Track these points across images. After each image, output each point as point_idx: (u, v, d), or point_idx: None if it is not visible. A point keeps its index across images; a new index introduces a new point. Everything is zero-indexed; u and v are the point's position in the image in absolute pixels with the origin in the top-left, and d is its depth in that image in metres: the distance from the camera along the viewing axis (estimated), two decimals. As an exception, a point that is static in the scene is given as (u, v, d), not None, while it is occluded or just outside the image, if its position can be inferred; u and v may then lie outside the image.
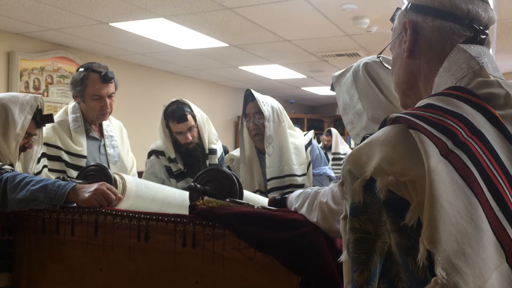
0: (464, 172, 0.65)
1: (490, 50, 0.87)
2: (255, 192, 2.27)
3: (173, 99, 2.46)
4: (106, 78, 2.22)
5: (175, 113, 2.36)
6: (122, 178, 1.72)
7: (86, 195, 1.57)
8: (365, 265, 0.68)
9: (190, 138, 2.39)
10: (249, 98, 2.31)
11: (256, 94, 2.28)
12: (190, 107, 2.43)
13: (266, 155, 2.25)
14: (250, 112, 2.29)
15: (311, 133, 2.44)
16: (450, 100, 0.74)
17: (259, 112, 2.25)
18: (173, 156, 2.42)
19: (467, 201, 0.64)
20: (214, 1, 3.70)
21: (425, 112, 0.72)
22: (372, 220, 0.69)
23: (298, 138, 2.35)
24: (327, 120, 10.40)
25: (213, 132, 2.54)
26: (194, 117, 2.42)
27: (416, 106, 0.77)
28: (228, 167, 2.40)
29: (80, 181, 1.70)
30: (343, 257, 0.76)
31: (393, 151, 0.68)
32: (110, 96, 2.25)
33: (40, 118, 1.88)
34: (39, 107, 1.88)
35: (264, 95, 2.34)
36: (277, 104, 2.32)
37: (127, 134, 2.52)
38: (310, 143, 2.36)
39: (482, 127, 0.71)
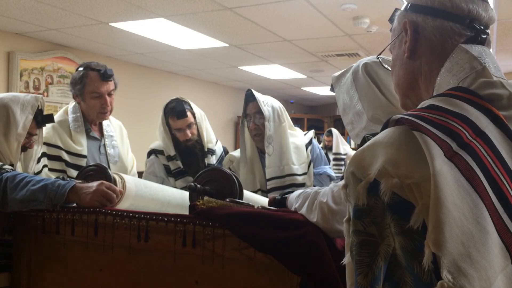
0: (469, 174, 0.65)
1: (490, 50, 0.87)
2: (256, 191, 2.27)
3: (173, 97, 2.48)
4: (105, 76, 2.22)
5: (175, 109, 2.38)
6: (121, 178, 1.72)
7: (87, 197, 1.58)
8: (369, 268, 0.68)
9: (190, 135, 2.41)
10: (249, 98, 2.32)
11: (256, 94, 2.29)
12: (189, 105, 2.45)
13: (266, 155, 2.25)
14: (251, 112, 2.30)
15: (311, 133, 2.44)
16: (453, 101, 0.74)
17: (260, 112, 2.25)
18: (172, 153, 2.43)
19: (472, 203, 0.63)
20: (214, 1, 3.70)
21: (428, 113, 0.71)
22: (375, 222, 0.68)
23: (298, 137, 2.35)
24: (327, 120, 10.40)
25: (211, 131, 2.55)
26: (193, 114, 2.44)
27: (418, 107, 0.77)
28: (229, 168, 2.40)
29: (80, 181, 1.70)
30: (346, 260, 0.75)
31: (397, 153, 0.68)
32: (110, 94, 2.25)
33: (41, 118, 1.89)
34: (40, 107, 1.88)
35: (265, 95, 2.35)
36: (278, 104, 2.32)
37: (127, 134, 2.52)
38: (310, 142, 2.37)
39: (486, 128, 0.71)
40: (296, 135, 2.36)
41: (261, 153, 2.35)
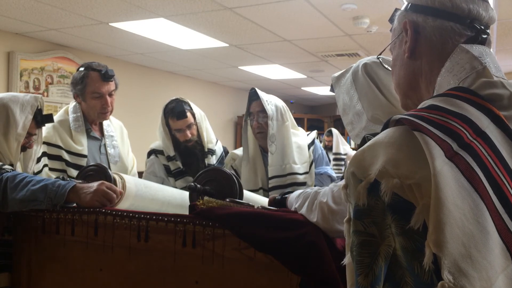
0: (470, 174, 0.65)
1: (491, 50, 0.87)
2: (258, 190, 2.28)
3: (173, 97, 2.48)
4: (106, 76, 2.22)
5: (175, 110, 2.38)
6: (121, 178, 1.72)
7: (87, 197, 1.58)
8: (370, 268, 0.68)
9: (189, 135, 2.41)
10: (253, 96, 2.33)
11: (260, 93, 2.30)
12: (189, 105, 2.45)
13: (269, 154, 2.26)
14: (254, 111, 2.31)
15: (314, 133, 2.46)
16: (453, 101, 0.74)
17: (263, 111, 2.27)
18: (172, 153, 2.43)
19: (473, 204, 0.63)
20: (214, 1, 3.70)
21: (428, 113, 0.71)
22: (376, 223, 0.68)
23: (301, 137, 2.36)
24: (327, 120, 10.39)
25: (211, 132, 2.55)
26: (193, 115, 2.44)
27: (419, 107, 0.76)
28: (231, 166, 2.41)
29: (80, 181, 1.70)
30: (347, 260, 0.75)
31: (398, 153, 0.68)
32: (110, 94, 2.26)
33: (41, 118, 1.89)
34: (39, 107, 1.88)
35: (268, 94, 2.36)
36: (281, 104, 2.33)
37: (127, 134, 2.52)
38: (313, 142, 2.39)
39: (486, 128, 0.71)
40: (299, 134, 2.37)
41: (264, 152, 2.36)
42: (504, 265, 0.63)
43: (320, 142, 7.35)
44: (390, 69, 0.99)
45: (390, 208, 0.66)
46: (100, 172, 1.76)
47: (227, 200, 1.50)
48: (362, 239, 0.69)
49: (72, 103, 2.32)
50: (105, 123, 2.37)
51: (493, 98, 0.75)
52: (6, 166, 1.75)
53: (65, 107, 2.36)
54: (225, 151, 2.67)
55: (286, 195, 1.60)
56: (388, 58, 1.09)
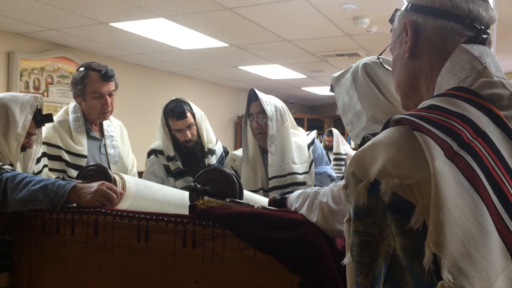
0: (470, 174, 0.65)
1: (491, 50, 0.87)
2: (258, 190, 2.28)
3: (173, 98, 2.48)
4: (106, 76, 2.22)
5: (175, 110, 2.38)
6: (121, 178, 1.73)
7: (88, 197, 1.58)
8: (370, 268, 0.68)
9: (189, 135, 2.41)
10: (252, 97, 2.33)
11: (259, 94, 2.30)
12: (189, 105, 2.45)
13: (269, 154, 2.26)
14: (254, 112, 2.31)
15: (314, 133, 2.46)
16: (453, 101, 0.74)
17: (262, 111, 2.27)
18: (172, 154, 2.43)
19: (473, 204, 0.63)
20: (214, 1, 3.70)
21: (429, 113, 0.71)
22: (376, 223, 0.68)
23: (300, 137, 2.36)
24: (327, 120, 10.39)
25: (211, 132, 2.55)
26: (193, 115, 2.44)
27: (419, 107, 0.76)
28: (231, 167, 2.41)
29: (80, 181, 1.70)
30: (347, 260, 0.75)
31: (398, 153, 0.68)
32: (110, 95, 2.26)
33: (40, 117, 1.89)
34: (39, 107, 1.88)
35: (267, 95, 2.36)
36: (280, 104, 2.34)
37: (127, 134, 2.52)
38: (312, 142, 2.39)
39: (486, 128, 0.71)
40: (299, 134, 2.37)
41: (263, 152, 2.37)
42: (504, 265, 0.63)
43: (321, 142, 7.37)
44: (390, 69, 0.99)
45: (390, 208, 0.66)
46: (100, 172, 1.76)
47: (227, 200, 1.50)
48: (362, 239, 0.69)
49: (72, 103, 2.32)
50: (105, 123, 2.37)
51: (493, 98, 0.75)
52: (6, 166, 1.75)
53: (65, 107, 2.36)
54: (225, 151, 2.67)
55: (286, 195, 1.60)
56: (388, 58, 1.09)
